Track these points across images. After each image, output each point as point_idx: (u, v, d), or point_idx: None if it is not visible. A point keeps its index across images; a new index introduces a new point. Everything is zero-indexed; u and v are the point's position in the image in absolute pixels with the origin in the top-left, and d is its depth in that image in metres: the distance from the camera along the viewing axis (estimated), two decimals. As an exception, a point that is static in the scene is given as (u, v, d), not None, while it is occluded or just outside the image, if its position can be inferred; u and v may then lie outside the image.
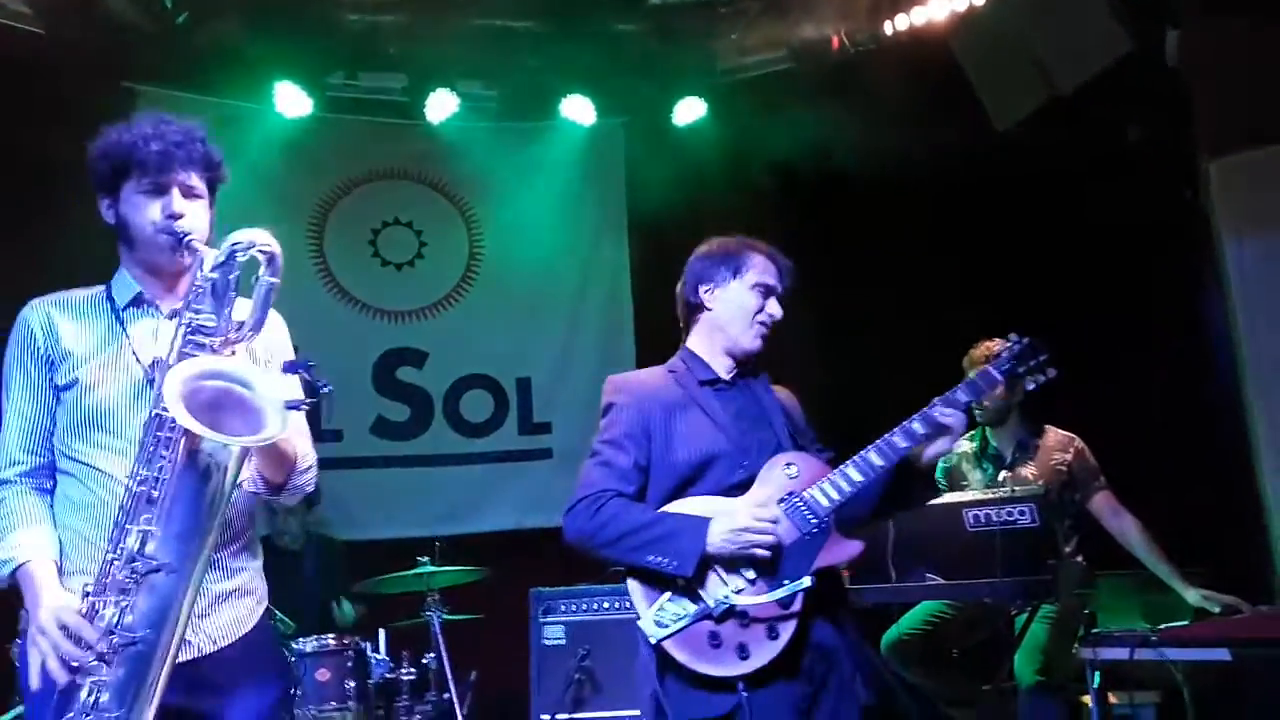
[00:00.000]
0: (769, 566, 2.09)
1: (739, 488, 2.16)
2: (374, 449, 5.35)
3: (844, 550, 2.12)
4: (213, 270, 1.74)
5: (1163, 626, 2.89)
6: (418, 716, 3.95)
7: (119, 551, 1.64)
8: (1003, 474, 3.28)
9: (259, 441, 1.65)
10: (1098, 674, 2.99)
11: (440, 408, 5.52)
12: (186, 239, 1.82)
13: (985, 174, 4.81)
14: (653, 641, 2.09)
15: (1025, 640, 3.34)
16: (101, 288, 1.95)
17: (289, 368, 1.79)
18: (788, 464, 2.16)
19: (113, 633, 1.60)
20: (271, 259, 1.72)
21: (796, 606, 2.07)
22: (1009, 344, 2.32)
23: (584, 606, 3.81)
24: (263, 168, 5.06)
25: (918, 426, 2.15)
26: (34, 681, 1.65)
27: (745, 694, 2.01)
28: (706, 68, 5.51)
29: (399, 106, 5.46)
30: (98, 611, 1.63)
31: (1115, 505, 3.50)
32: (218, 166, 1.91)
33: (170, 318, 1.87)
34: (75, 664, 1.60)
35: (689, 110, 5.50)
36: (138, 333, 1.88)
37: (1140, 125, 4.62)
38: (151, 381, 1.78)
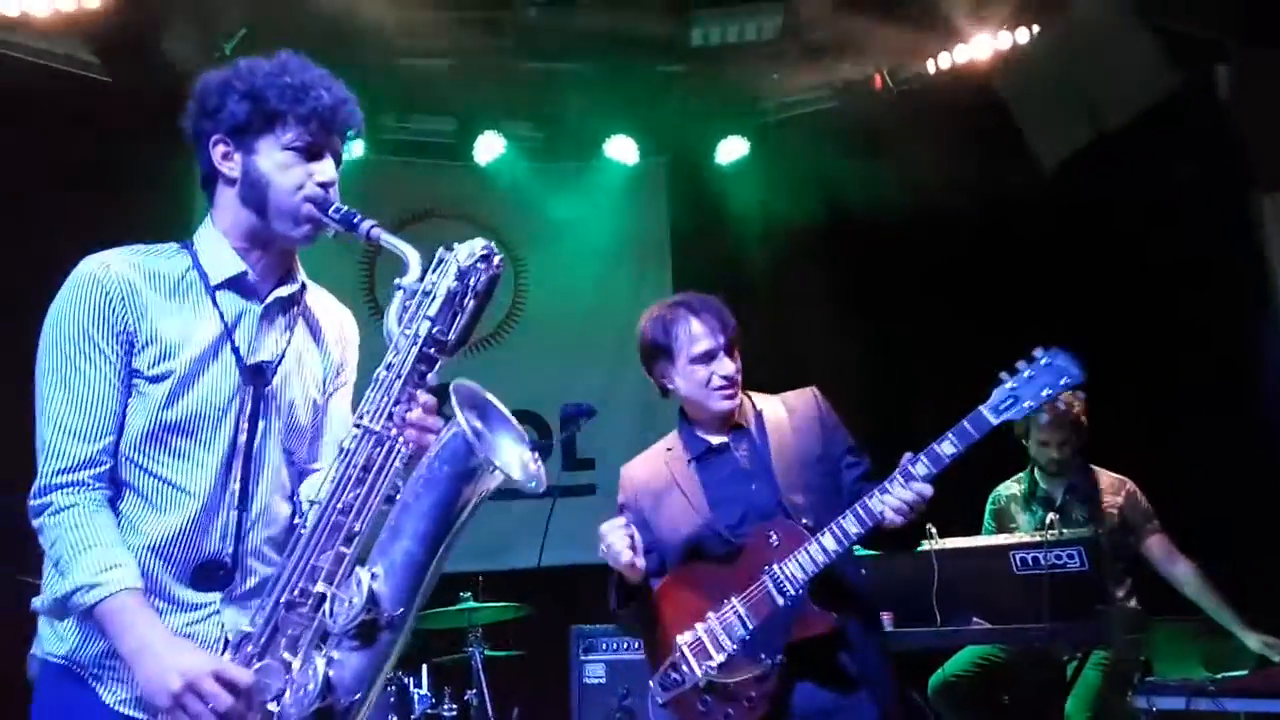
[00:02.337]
0: (749, 641, 2.17)
1: (728, 558, 2.23)
2: (418, 484, 5.40)
3: (818, 623, 2.14)
4: (456, 279, 1.49)
5: (1221, 675, 2.80)
6: (459, 754, 3.95)
7: (304, 589, 1.40)
8: (1051, 516, 3.22)
9: (522, 481, 1.43)
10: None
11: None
12: (358, 221, 1.51)
13: (1031, 213, 4.76)
14: (659, 702, 2.24)
15: (1077, 687, 3.25)
16: (178, 250, 1.60)
17: (571, 413, 1.66)
18: (772, 534, 2.20)
19: (330, 696, 1.33)
20: (495, 280, 1.50)
21: (771, 681, 2.13)
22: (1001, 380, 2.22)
23: (625, 645, 3.79)
24: (316, 209, 5.19)
25: (891, 494, 2.09)
26: None
27: None
28: (749, 107, 5.58)
29: (448, 148, 5.60)
30: (257, 662, 1.38)
31: (1170, 549, 3.42)
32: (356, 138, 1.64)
33: (269, 309, 1.59)
34: None
35: (731, 149, 5.56)
36: (235, 323, 1.56)
37: (1190, 162, 4.56)
38: (251, 388, 1.52)
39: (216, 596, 1.51)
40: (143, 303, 1.51)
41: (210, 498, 1.50)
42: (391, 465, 1.44)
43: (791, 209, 5.27)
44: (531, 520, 5.55)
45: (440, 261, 1.51)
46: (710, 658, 2.17)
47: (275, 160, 1.54)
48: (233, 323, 1.56)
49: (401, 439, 1.46)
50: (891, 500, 2.07)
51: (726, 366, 2.29)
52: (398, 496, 1.44)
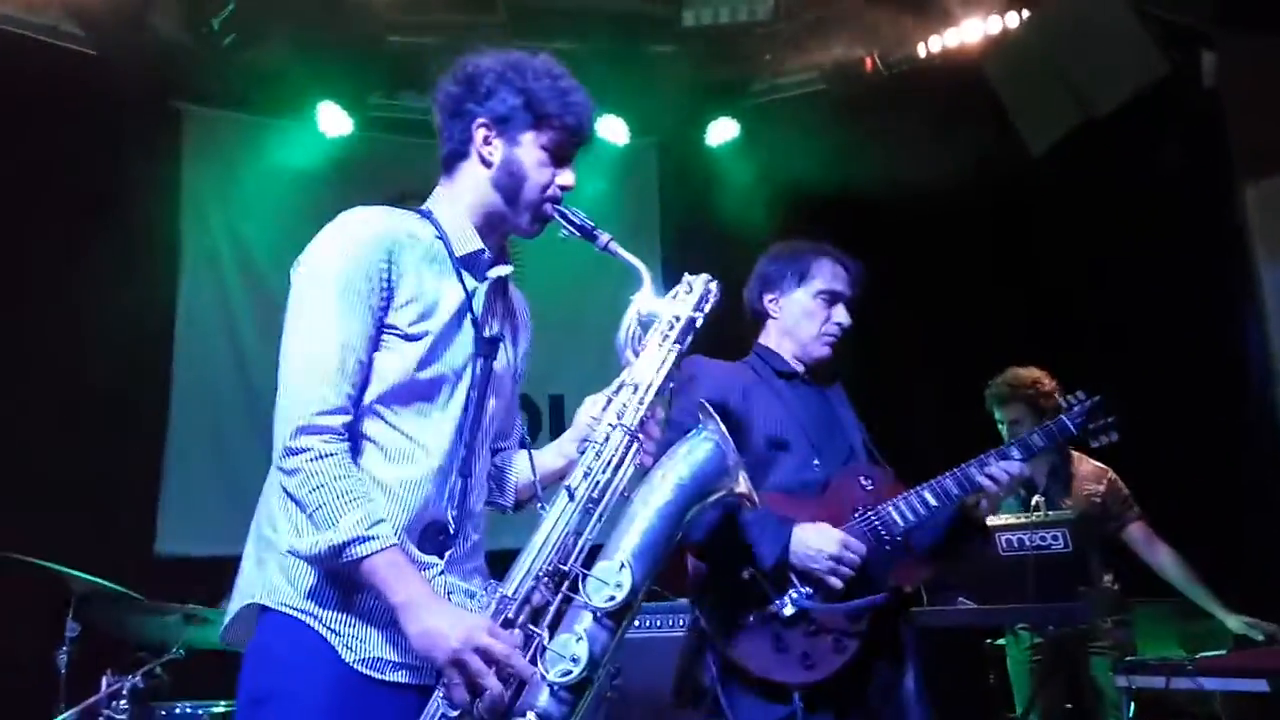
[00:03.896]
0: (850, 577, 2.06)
1: (815, 487, 2.13)
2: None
3: (916, 572, 2.13)
4: (695, 309, 1.70)
5: (1200, 655, 2.87)
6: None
7: (556, 567, 1.48)
8: (1037, 498, 3.28)
9: (747, 493, 1.62)
10: (1133, 703, 2.97)
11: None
12: (595, 232, 1.69)
13: (1019, 197, 4.80)
14: (721, 639, 2.03)
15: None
16: (422, 218, 1.64)
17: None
18: (864, 476, 2.16)
19: (595, 669, 1.41)
20: (714, 305, 1.71)
21: (864, 625, 2.04)
22: (1077, 399, 2.38)
23: (615, 624, 3.83)
24: (304, 185, 5.16)
25: (993, 466, 2.17)
26: (460, 699, 1.39)
27: (801, 706, 1.97)
28: (740, 89, 5.57)
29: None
30: (511, 629, 1.45)
31: (1149, 535, 3.48)
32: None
33: (491, 288, 1.67)
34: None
35: (722, 131, 5.55)
36: (475, 296, 1.64)
37: (1176, 148, 4.60)
38: (480, 360, 1.60)
39: (439, 560, 1.55)
40: (406, 260, 1.56)
41: (445, 459, 1.56)
42: (633, 463, 1.58)
43: (781, 191, 5.28)
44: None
45: (688, 288, 1.72)
46: (799, 587, 2.02)
47: (534, 156, 1.65)
48: (471, 295, 1.63)
49: (645, 442, 1.61)
50: (993, 469, 2.14)
51: (844, 316, 2.30)
52: (631, 495, 1.57)
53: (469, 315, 1.61)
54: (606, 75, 5.35)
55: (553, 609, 1.47)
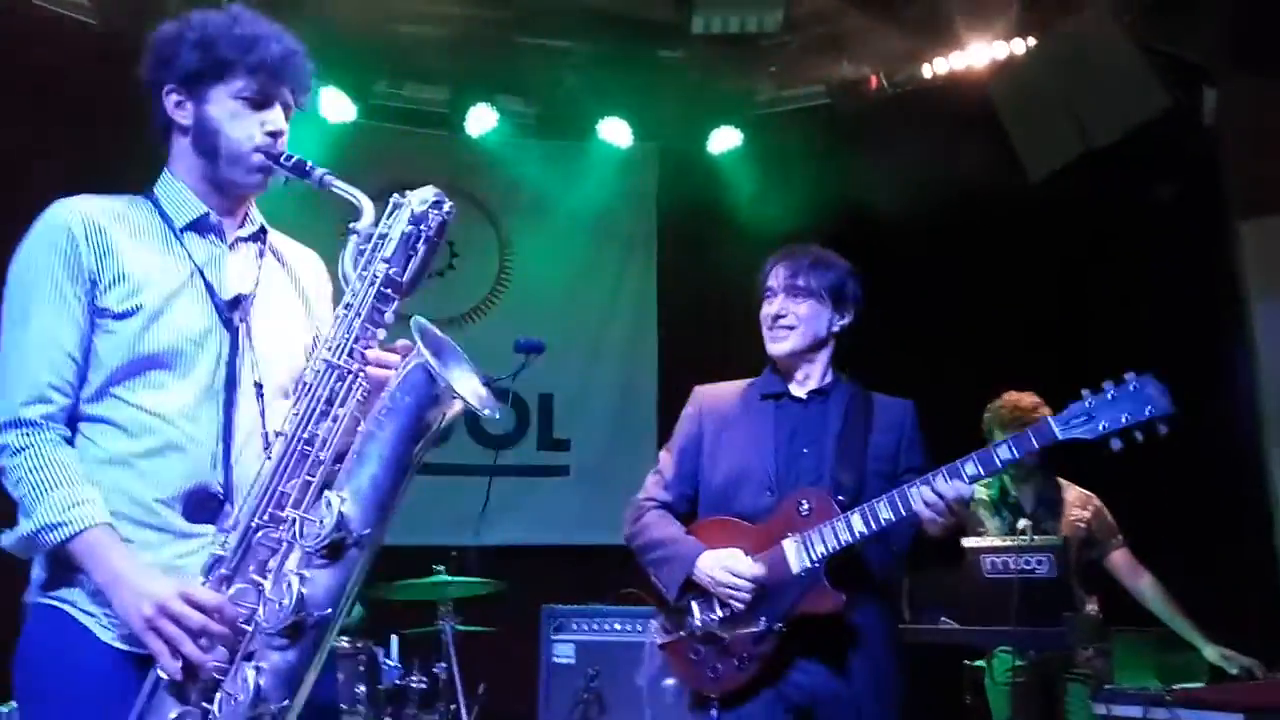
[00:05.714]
0: (755, 600, 2.15)
1: (764, 514, 2.21)
2: (393, 455, 5.39)
3: (826, 600, 2.11)
4: (410, 223, 1.56)
5: (1176, 686, 2.90)
6: (424, 725, 3.97)
7: (274, 514, 1.45)
8: (1022, 522, 3.30)
9: (479, 407, 1.51)
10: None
11: (462, 418, 5.54)
12: (309, 169, 1.59)
13: (1015, 222, 4.84)
14: (657, 643, 2.28)
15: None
16: (141, 198, 1.65)
17: (524, 345, 1.72)
18: (802, 500, 2.18)
19: (303, 611, 1.39)
20: (445, 225, 1.58)
21: (767, 647, 2.12)
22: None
23: (595, 626, 3.83)
24: (303, 170, 5.13)
25: (926, 489, 2.04)
26: (168, 668, 1.41)
27: (716, 714, 2.15)
28: (744, 99, 5.58)
29: (440, 118, 5.54)
30: (229, 585, 1.44)
31: (1133, 563, 3.51)
32: (307, 95, 1.71)
33: (233, 248, 1.66)
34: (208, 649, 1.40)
35: (724, 139, 5.57)
36: (203, 261, 1.61)
37: (1173, 183, 4.65)
38: (227, 321, 1.58)
39: (211, 528, 1.54)
40: (108, 242, 1.55)
41: (195, 428, 1.54)
42: (353, 398, 1.52)
43: (780, 202, 5.30)
44: (506, 498, 5.58)
45: (395, 207, 1.58)
46: (714, 610, 2.17)
47: (226, 109, 1.60)
48: (203, 261, 1.61)
49: (362, 373, 1.54)
50: (928, 493, 2.01)
51: (769, 308, 2.32)
52: (359, 428, 1.51)
53: (201, 280, 1.59)
54: (613, 77, 5.36)
55: (278, 556, 1.46)
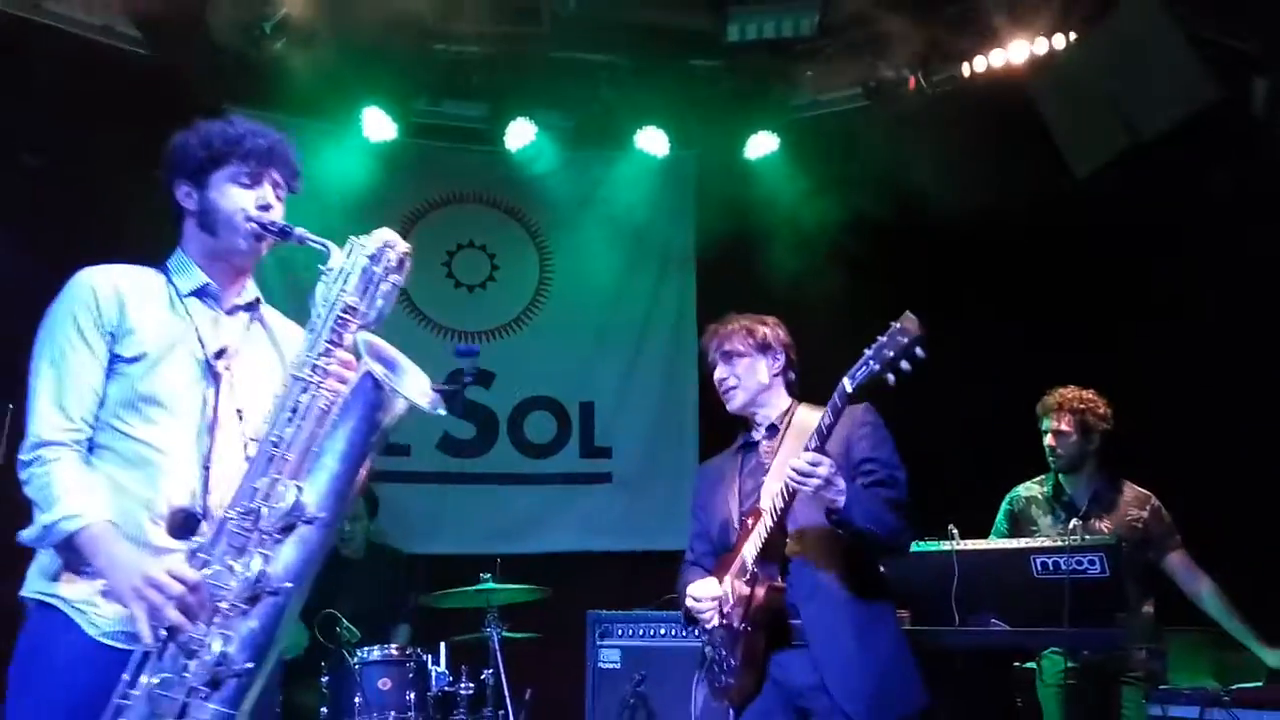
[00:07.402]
0: (728, 615, 2.49)
1: (737, 545, 2.52)
2: (439, 465, 5.46)
3: (763, 589, 2.41)
4: (369, 259, 1.82)
5: (1235, 686, 2.82)
6: (473, 731, 4.00)
7: (245, 507, 1.68)
8: (1074, 521, 3.24)
9: (426, 407, 1.76)
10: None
11: (505, 428, 5.62)
12: (289, 230, 1.90)
13: (1061, 220, 4.76)
14: (700, 677, 2.62)
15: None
16: (155, 269, 1.97)
17: (463, 350, 1.90)
18: (748, 520, 2.51)
19: (260, 582, 1.63)
20: (403, 262, 1.84)
21: (742, 647, 2.43)
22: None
23: (641, 632, 3.84)
24: (346, 189, 5.24)
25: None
26: (145, 635, 1.63)
27: (733, 714, 2.49)
28: (781, 104, 5.57)
29: (478, 133, 5.62)
30: (206, 567, 1.65)
31: (1190, 565, 3.43)
32: (297, 178, 2.01)
33: (229, 314, 1.97)
34: (185, 617, 1.61)
35: (761, 145, 5.56)
36: (200, 321, 1.92)
37: (1225, 175, 4.54)
38: (213, 371, 1.87)
39: (185, 545, 1.75)
40: (125, 301, 1.86)
41: (181, 457, 1.82)
42: (314, 406, 1.76)
43: (819, 207, 5.28)
44: (550, 506, 5.62)
45: (354, 247, 1.85)
46: (705, 632, 2.54)
47: (223, 191, 1.92)
48: (201, 321, 1.93)
49: (323, 385, 1.78)
50: (790, 470, 2.30)
51: (718, 374, 2.65)
52: (321, 430, 1.76)
53: (196, 335, 1.90)
54: (649, 87, 5.39)
55: (250, 543, 1.68)
